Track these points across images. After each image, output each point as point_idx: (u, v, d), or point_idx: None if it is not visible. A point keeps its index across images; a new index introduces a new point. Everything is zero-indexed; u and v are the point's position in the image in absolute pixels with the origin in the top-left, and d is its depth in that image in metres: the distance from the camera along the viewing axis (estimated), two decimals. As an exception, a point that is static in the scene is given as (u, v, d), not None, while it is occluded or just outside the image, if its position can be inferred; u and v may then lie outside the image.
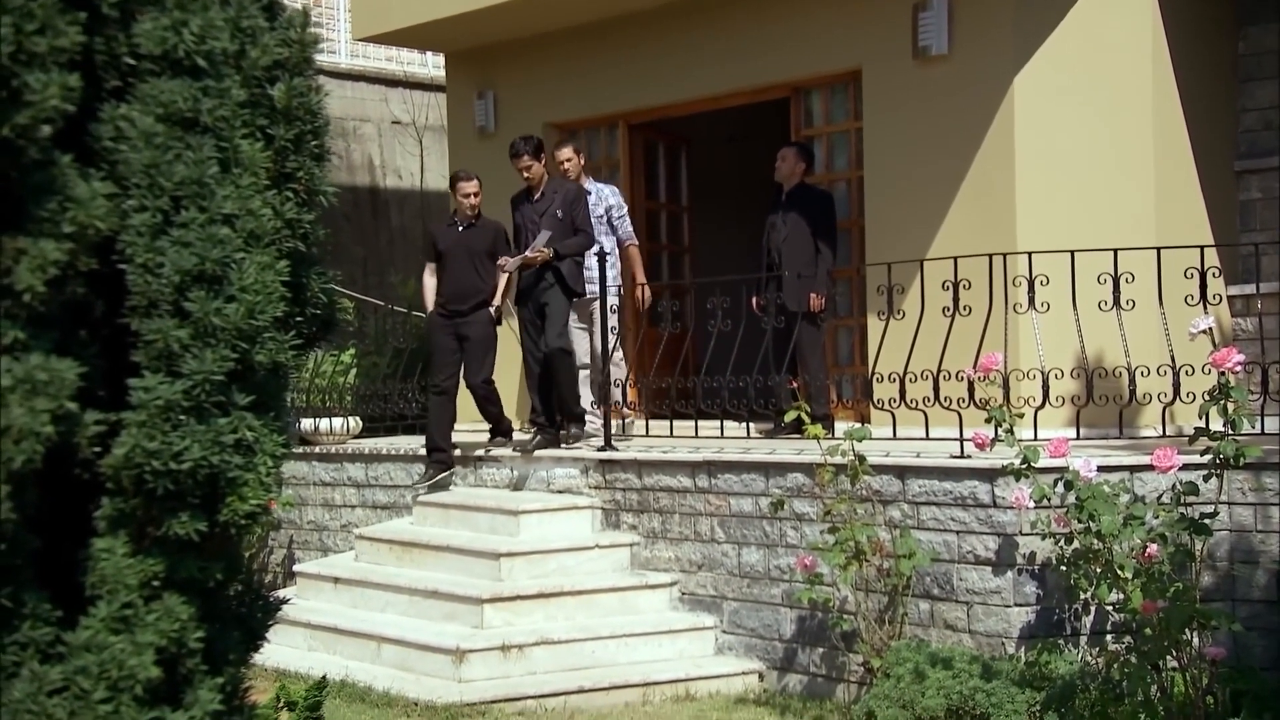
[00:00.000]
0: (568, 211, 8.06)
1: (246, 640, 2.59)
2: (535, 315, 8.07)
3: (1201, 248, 6.63)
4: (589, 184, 8.51)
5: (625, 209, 8.74)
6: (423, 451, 8.69)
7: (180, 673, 2.35)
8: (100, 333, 2.32)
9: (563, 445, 8.12)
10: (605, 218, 8.57)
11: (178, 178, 2.25)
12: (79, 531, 2.30)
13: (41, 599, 2.16)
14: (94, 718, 2.15)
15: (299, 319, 2.59)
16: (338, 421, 9.70)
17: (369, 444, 9.43)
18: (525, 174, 8.27)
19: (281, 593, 8.10)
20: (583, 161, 8.69)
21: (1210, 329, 5.61)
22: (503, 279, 8.24)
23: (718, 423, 7.96)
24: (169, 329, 2.23)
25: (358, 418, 9.88)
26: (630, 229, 8.75)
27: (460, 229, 8.31)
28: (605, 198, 8.64)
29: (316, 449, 9.40)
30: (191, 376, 2.25)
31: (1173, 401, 6.60)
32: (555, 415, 8.15)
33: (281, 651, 7.24)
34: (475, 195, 8.30)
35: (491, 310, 8.24)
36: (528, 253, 7.90)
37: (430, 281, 8.44)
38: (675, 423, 8.14)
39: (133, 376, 2.26)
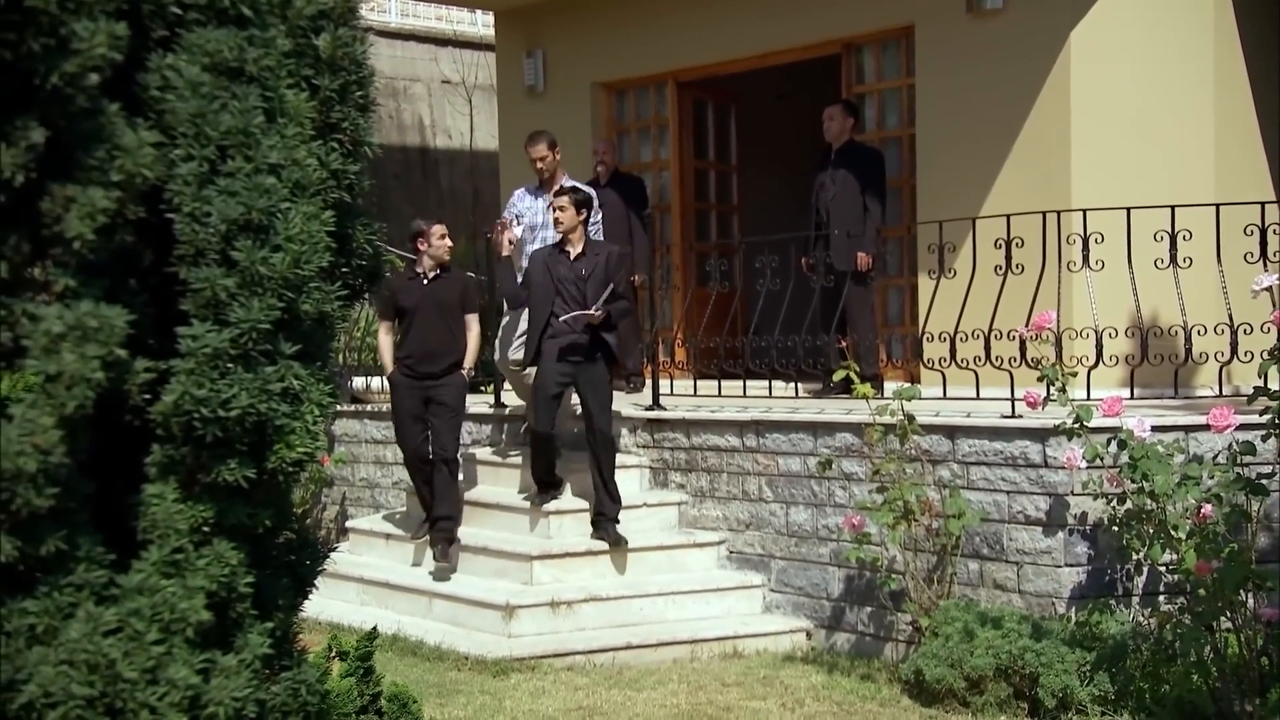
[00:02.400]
0: (610, 276, 7.20)
1: (296, 587, 2.62)
2: (567, 384, 7.19)
3: (1263, 204, 6.50)
4: (567, 182, 7.74)
5: (600, 212, 7.93)
6: (473, 410, 8.74)
7: (230, 617, 2.39)
8: (149, 281, 2.35)
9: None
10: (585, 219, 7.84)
11: (224, 127, 2.26)
12: (131, 477, 2.34)
13: (95, 542, 2.20)
14: (147, 659, 2.19)
15: (345, 270, 2.60)
16: (389, 380, 9.75)
17: (419, 403, 9.48)
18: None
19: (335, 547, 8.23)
20: (558, 158, 8.03)
21: (1273, 287, 5.50)
22: (473, 338, 7.52)
23: (766, 382, 7.94)
24: (216, 278, 2.26)
25: (408, 377, 9.92)
26: (600, 230, 7.93)
27: (425, 281, 7.45)
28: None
29: (368, 407, 9.49)
30: (239, 325, 2.28)
31: (1230, 360, 6.49)
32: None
33: (334, 605, 7.36)
34: (447, 246, 7.54)
35: (465, 373, 7.51)
36: (593, 311, 7.00)
37: (387, 341, 7.64)
38: (723, 382, 8.13)
39: (181, 325, 2.29)
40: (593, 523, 7.25)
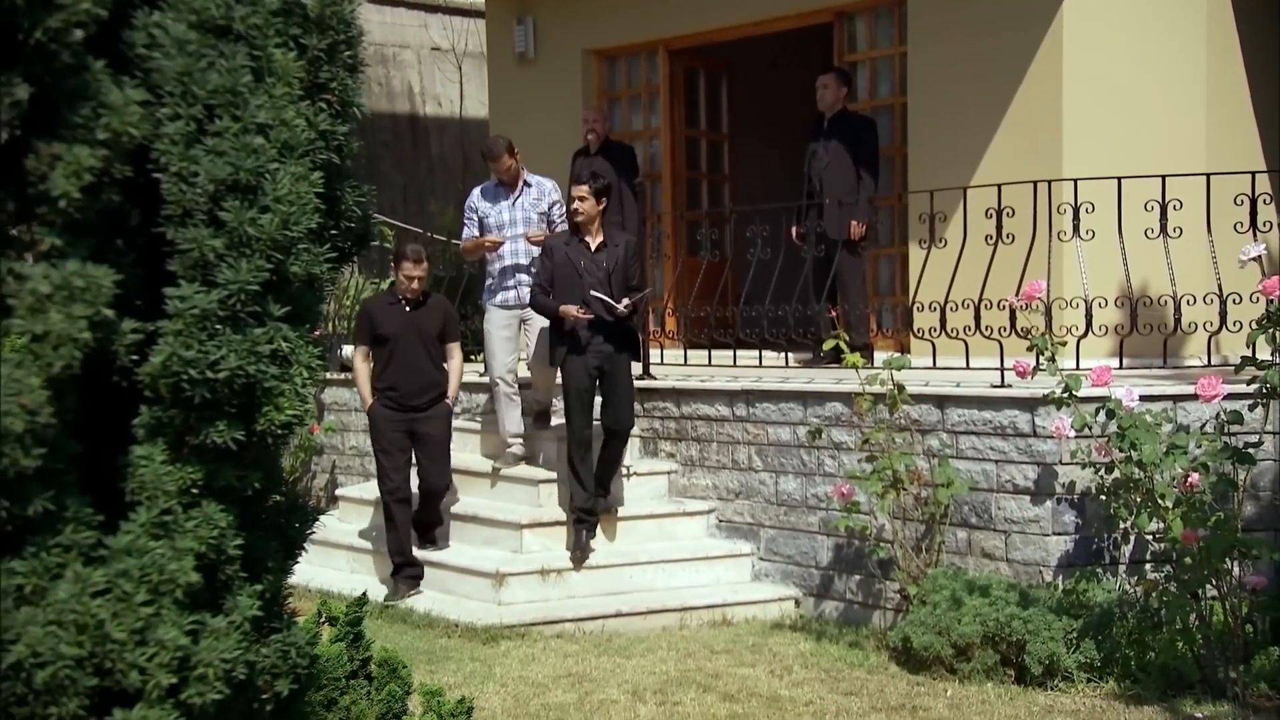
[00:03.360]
0: (630, 265, 7.09)
1: (285, 550, 2.61)
2: (596, 376, 6.96)
3: (1253, 173, 6.50)
4: (528, 176, 7.63)
5: (564, 206, 7.65)
6: (466, 379, 8.72)
7: (220, 579, 2.38)
8: (136, 242, 2.33)
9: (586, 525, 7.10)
10: (547, 215, 7.63)
11: (211, 86, 2.24)
12: (119, 439, 2.32)
13: (83, 503, 2.19)
14: (136, 620, 2.19)
15: (333, 232, 2.58)
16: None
17: (409, 372, 9.46)
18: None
19: (324, 516, 8.17)
20: (518, 160, 7.67)
21: (1260, 256, 5.51)
22: (456, 366, 7.30)
23: (756, 352, 7.94)
24: (204, 238, 2.24)
25: (398, 345, 9.90)
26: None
27: (407, 309, 7.16)
28: (548, 193, 7.68)
29: (358, 376, 9.45)
30: (227, 286, 2.26)
31: (1219, 330, 6.51)
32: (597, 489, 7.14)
33: (324, 573, 7.37)
34: (421, 278, 7.20)
35: (450, 402, 7.29)
36: (620, 307, 6.86)
37: (365, 369, 7.22)
38: (713, 352, 8.13)
39: (169, 286, 2.27)
40: (583, 518, 7.03)
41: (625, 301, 6.87)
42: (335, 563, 7.72)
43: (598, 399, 7.04)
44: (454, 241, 10.78)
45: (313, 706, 3.74)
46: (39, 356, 2.04)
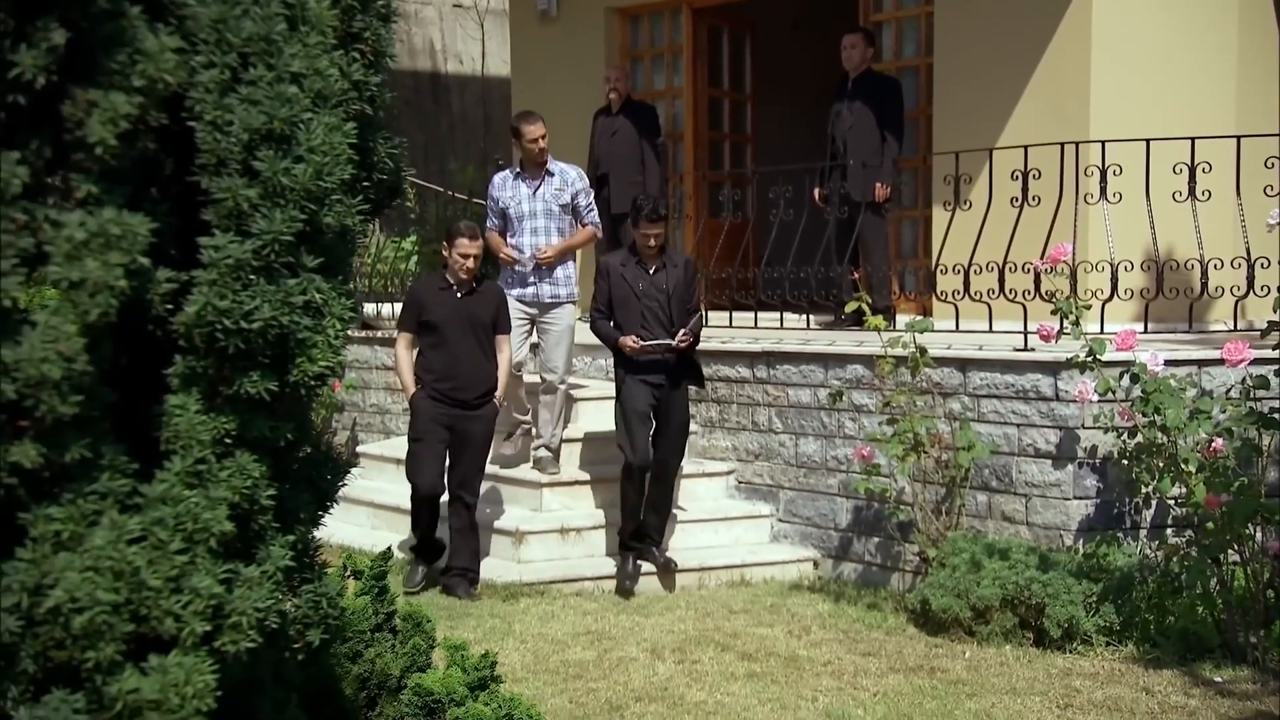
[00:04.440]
0: (690, 287, 6.72)
1: (317, 501, 2.63)
2: (654, 404, 6.53)
3: (1284, 137, 6.43)
4: (552, 165, 7.09)
5: (591, 192, 7.36)
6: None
7: (252, 529, 2.40)
8: (171, 191, 2.33)
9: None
10: (571, 204, 7.11)
11: (245, 34, 2.23)
12: (154, 388, 2.33)
13: (119, 451, 2.20)
14: (171, 567, 2.20)
15: (365, 184, 2.58)
16: (399, 307, 9.76)
17: (429, 330, 9.49)
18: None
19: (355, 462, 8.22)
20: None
21: (1289, 220, 5.46)
22: (505, 362, 6.65)
23: (777, 314, 7.92)
24: (238, 188, 2.23)
25: (419, 304, 9.92)
26: (596, 214, 7.33)
27: (459, 294, 6.51)
28: (572, 182, 7.13)
29: (379, 333, 9.49)
30: (261, 236, 2.26)
31: (1246, 295, 6.46)
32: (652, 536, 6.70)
33: (345, 529, 7.41)
34: (476, 257, 6.52)
35: (497, 401, 6.63)
36: (679, 339, 6.44)
37: (407, 356, 6.60)
38: (734, 313, 8.11)
39: (203, 235, 2.27)
40: (631, 545, 6.60)
41: (682, 333, 6.43)
42: (356, 519, 7.76)
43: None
44: (475, 199, 10.75)
45: (338, 658, 3.78)
46: (76, 304, 2.05)
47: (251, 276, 2.27)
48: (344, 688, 3.74)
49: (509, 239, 7.09)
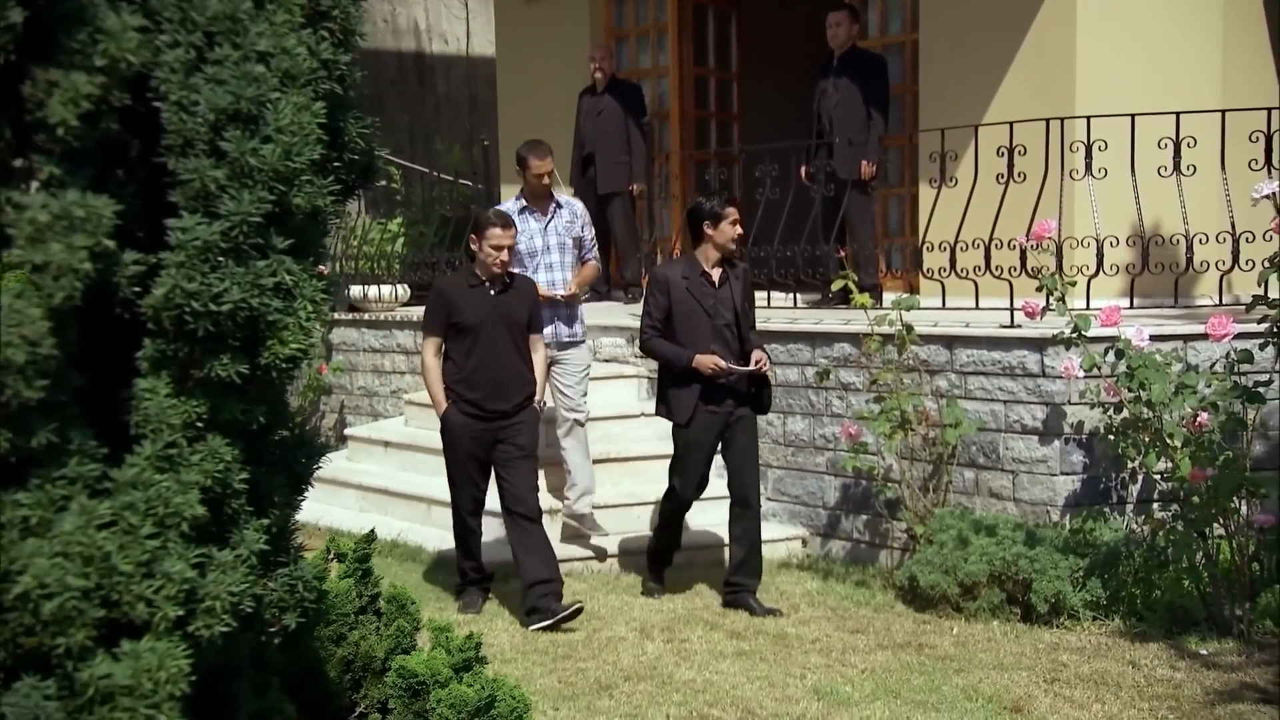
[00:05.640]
0: (752, 298, 6.14)
1: (292, 485, 2.61)
2: (720, 434, 5.96)
3: (1269, 110, 6.41)
4: (561, 198, 6.75)
5: (592, 226, 6.98)
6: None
7: (226, 513, 2.38)
8: (136, 172, 2.30)
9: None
10: (580, 239, 6.71)
11: (210, 12, 2.20)
12: (123, 372, 2.31)
13: (87, 436, 2.18)
14: (142, 552, 2.19)
15: (337, 164, 2.54)
16: (386, 289, 9.75)
17: (417, 312, 9.47)
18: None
19: (333, 455, 8.11)
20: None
21: (1274, 194, 5.45)
22: (540, 362, 6.11)
23: (764, 292, 7.89)
24: (205, 168, 2.21)
25: (406, 285, 9.92)
26: (597, 249, 6.99)
27: (492, 292, 5.87)
28: (580, 214, 6.76)
29: (366, 316, 9.47)
30: (229, 218, 2.23)
31: (1231, 269, 6.46)
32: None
33: (334, 512, 7.41)
34: (510, 249, 5.90)
35: (537, 405, 6.04)
36: (755, 364, 5.86)
37: (437, 366, 5.91)
38: (722, 292, 8.08)
39: (170, 217, 2.24)
40: (732, 596, 5.99)
41: (757, 356, 5.84)
42: (344, 501, 7.75)
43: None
44: (462, 181, 10.71)
45: (322, 641, 3.77)
46: (40, 287, 2.03)
47: (220, 258, 2.24)
48: (328, 670, 3.74)
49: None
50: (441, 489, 7.42)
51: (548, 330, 6.42)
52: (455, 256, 9.93)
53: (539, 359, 6.07)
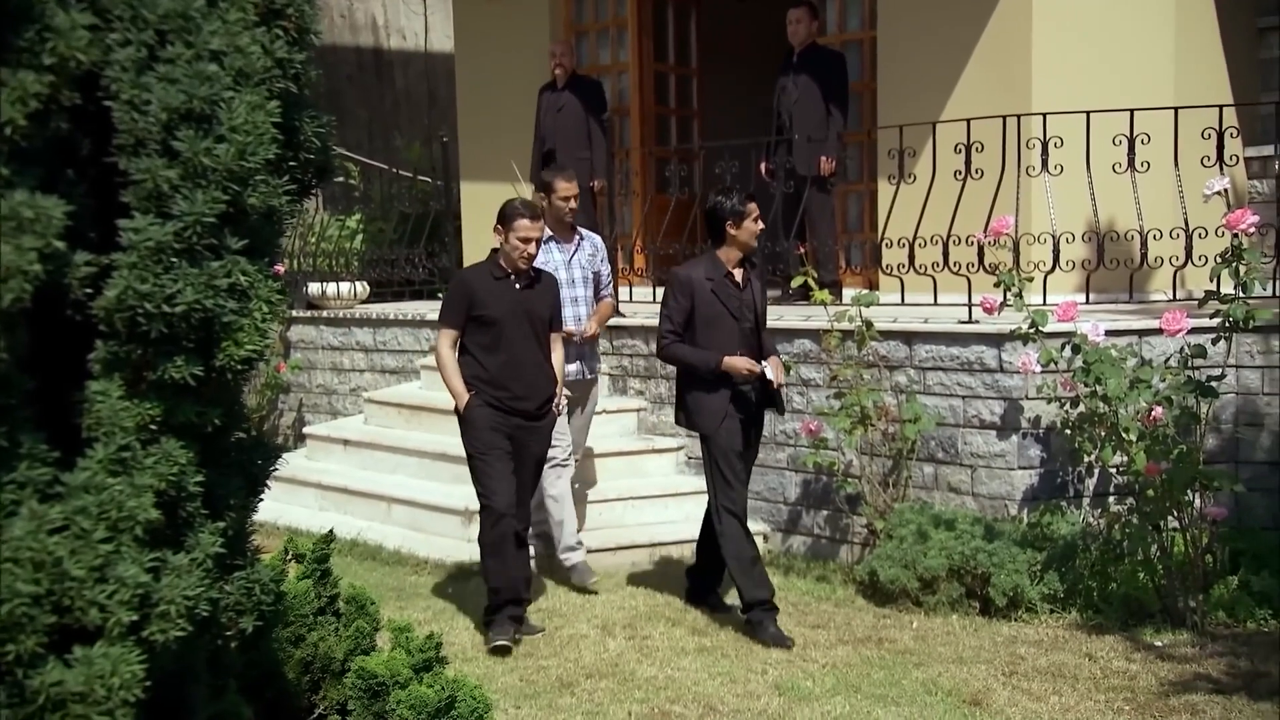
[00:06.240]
0: (767, 303, 5.92)
1: (248, 487, 2.58)
2: (747, 444, 5.66)
3: (1220, 107, 6.49)
4: (581, 230, 6.49)
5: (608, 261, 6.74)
6: (431, 317, 8.64)
7: (180, 516, 2.36)
8: (87, 172, 2.27)
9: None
10: (598, 275, 6.49)
11: (162, 10, 2.17)
12: (75, 375, 2.28)
13: (38, 440, 2.15)
14: (95, 557, 2.16)
15: (292, 164, 2.52)
16: (345, 286, 9.69)
17: (376, 309, 9.43)
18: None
19: (292, 454, 8.04)
20: None
21: (1225, 190, 5.53)
22: (559, 360, 5.76)
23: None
24: (158, 168, 2.18)
25: (365, 283, 9.86)
26: (612, 285, 6.80)
27: (517, 286, 5.56)
28: (600, 247, 6.53)
29: (324, 313, 9.40)
30: (182, 218, 2.20)
31: (1184, 265, 6.54)
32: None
33: (293, 511, 7.35)
34: (538, 242, 5.59)
35: (556, 409, 5.73)
36: (780, 370, 5.63)
37: (453, 358, 5.57)
38: (682, 288, 8.08)
39: (122, 218, 2.22)
40: (753, 618, 5.53)
41: (779, 367, 5.62)
42: (303, 500, 7.70)
43: None
44: (421, 177, 10.67)
45: (280, 642, 3.74)
46: (-12, 290, 1.99)
47: (173, 259, 2.22)
48: (286, 672, 3.71)
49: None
50: (400, 487, 7.43)
51: (572, 368, 6.21)
52: (415, 253, 9.89)
53: (558, 359, 5.77)
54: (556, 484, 6.24)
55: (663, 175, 8.75)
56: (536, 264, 5.72)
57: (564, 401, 5.87)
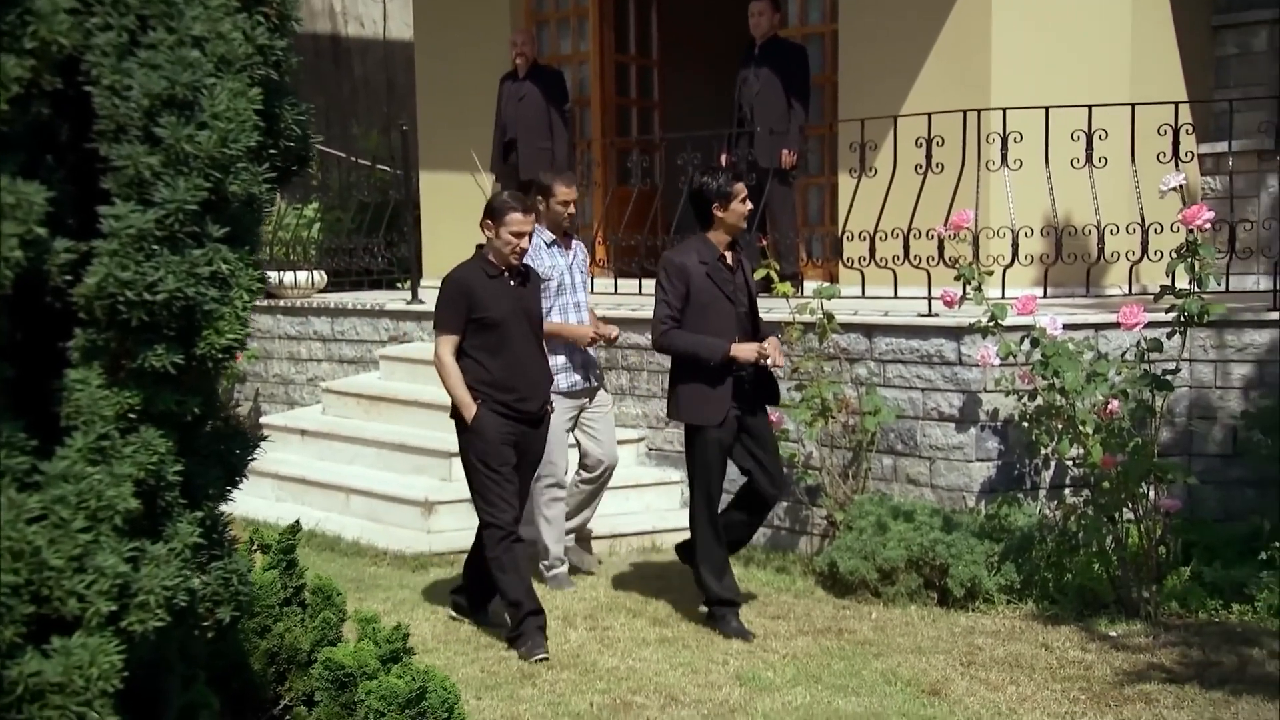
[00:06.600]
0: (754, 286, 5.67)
1: (225, 476, 2.58)
2: (748, 433, 5.47)
3: (1175, 104, 6.60)
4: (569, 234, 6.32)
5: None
6: (390, 306, 8.61)
7: (159, 506, 2.34)
8: (67, 159, 2.25)
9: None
10: (583, 278, 6.31)
11: (143, -5, 2.16)
12: (54, 362, 2.26)
13: (16, 428, 2.13)
14: (74, 546, 2.14)
15: (273, 151, 2.51)
16: (302, 275, 9.61)
17: (334, 298, 9.36)
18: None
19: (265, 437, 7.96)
20: None
21: (1180, 187, 5.62)
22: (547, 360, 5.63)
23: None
24: (139, 155, 2.16)
25: (322, 272, 9.78)
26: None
27: (512, 283, 5.36)
28: (577, 250, 6.31)
29: (281, 302, 9.32)
30: (164, 205, 2.19)
31: (1140, 260, 6.64)
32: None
33: (250, 501, 7.28)
34: (530, 236, 5.39)
35: (549, 408, 5.55)
36: (774, 357, 5.35)
37: (454, 363, 5.30)
38: (644, 281, 8.10)
39: (103, 204, 2.19)
40: (715, 613, 5.50)
41: (777, 351, 5.38)
42: (260, 491, 7.63)
43: None
44: (379, 166, 10.59)
45: (246, 633, 3.72)
46: (-33, 276, 1.97)
47: (154, 247, 2.20)
48: (252, 663, 3.69)
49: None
50: (358, 478, 7.40)
51: (578, 377, 6.09)
52: (374, 243, 9.82)
53: (551, 358, 5.67)
54: (553, 506, 6.12)
55: (624, 166, 8.75)
56: (540, 270, 5.64)
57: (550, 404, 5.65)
